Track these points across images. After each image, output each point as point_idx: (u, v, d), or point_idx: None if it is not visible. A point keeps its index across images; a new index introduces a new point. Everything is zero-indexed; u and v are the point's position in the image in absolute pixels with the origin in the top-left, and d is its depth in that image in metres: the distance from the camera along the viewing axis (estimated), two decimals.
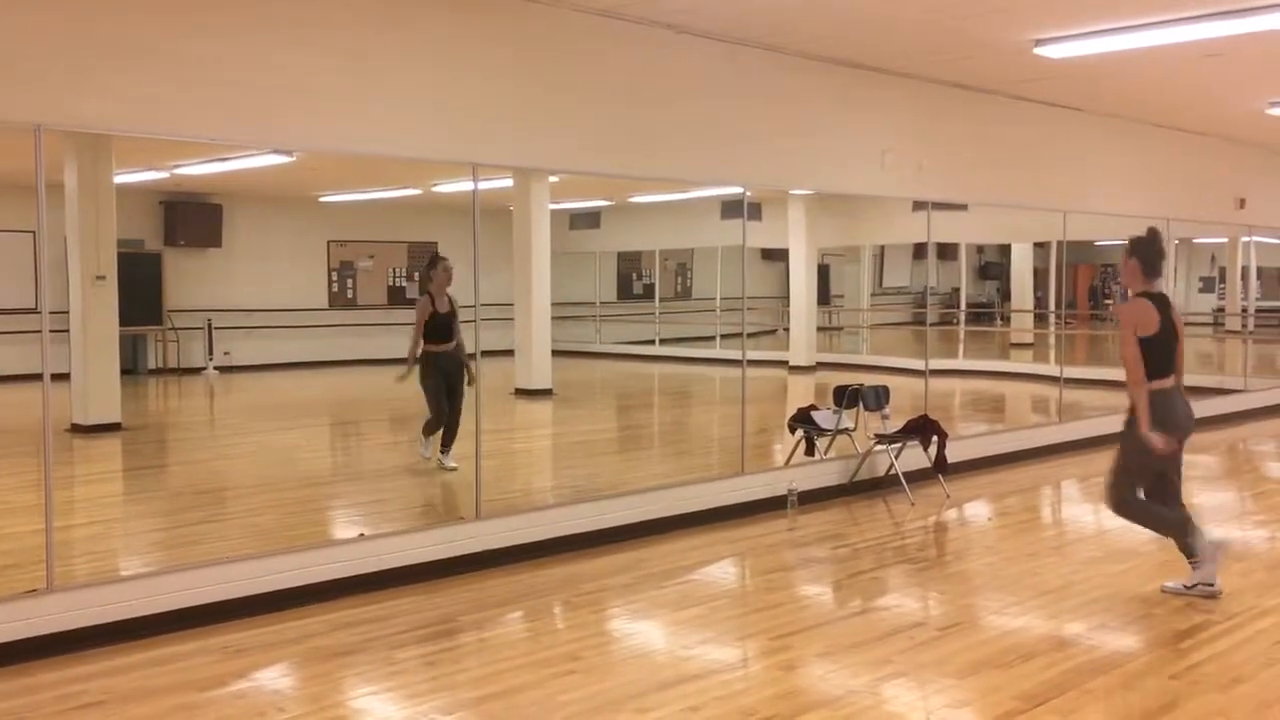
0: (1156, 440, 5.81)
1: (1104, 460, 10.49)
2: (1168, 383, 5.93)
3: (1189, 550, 5.99)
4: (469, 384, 8.23)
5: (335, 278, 17.80)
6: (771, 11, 7.30)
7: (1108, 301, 26.53)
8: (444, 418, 8.77)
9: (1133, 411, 5.93)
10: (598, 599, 6.15)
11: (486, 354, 7.33)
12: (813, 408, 8.91)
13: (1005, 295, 23.91)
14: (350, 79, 6.18)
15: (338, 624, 5.62)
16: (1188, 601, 5.91)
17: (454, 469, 8.64)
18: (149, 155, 11.68)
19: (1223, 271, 23.19)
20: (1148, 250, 6.01)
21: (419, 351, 8.78)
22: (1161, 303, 5.94)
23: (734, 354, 9.23)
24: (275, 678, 5.08)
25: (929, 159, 9.55)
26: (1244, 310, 17.49)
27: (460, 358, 8.72)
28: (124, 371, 11.80)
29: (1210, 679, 4.79)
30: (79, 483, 9.13)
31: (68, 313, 10.72)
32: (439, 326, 8.77)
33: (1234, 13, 7.11)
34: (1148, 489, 6.09)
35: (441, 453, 8.79)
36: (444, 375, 8.74)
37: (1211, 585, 5.93)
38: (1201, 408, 12.83)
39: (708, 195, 12.68)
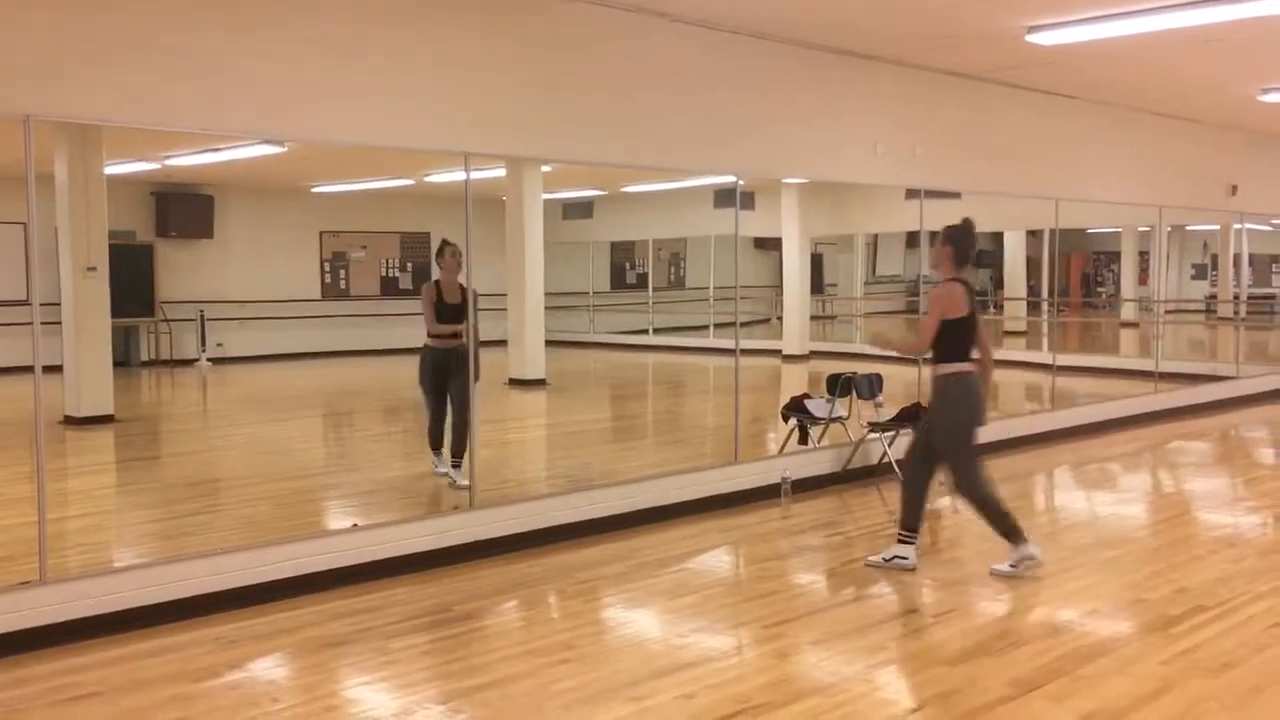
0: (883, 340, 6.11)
1: (1096, 447, 10.61)
2: (970, 366, 6.04)
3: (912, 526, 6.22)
4: (475, 379, 7.56)
5: (328, 268, 17.76)
6: None
7: (1100, 289, 26.58)
8: (443, 418, 8.09)
9: (936, 397, 6.09)
10: (592, 588, 6.16)
11: (481, 344, 7.33)
12: (806, 396, 8.93)
13: (998, 283, 23.94)
14: (341, 69, 6.16)
15: (331, 614, 5.63)
16: (1178, 588, 5.93)
17: (465, 486, 7.42)
18: (140, 146, 11.65)
19: (1215, 259, 23.26)
20: (962, 239, 6.12)
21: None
22: (969, 289, 6.07)
23: (727, 343, 9.23)
24: (269, 668, 5.08)
25: (921, 147, 9.55)
26: (1236, 297, 17.53)
27: (462, 352, 7.89)
28: (116, 363, 11.77)
29: (1201, 664, 4.81)
30: (72, 475, 9.13)
31: (59, 304, 10.69)
32: (442, 317, 8.04)
33: None
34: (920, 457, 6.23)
35: (453, 466, 7.97)
36: (439, 370, 8.05)
37: (907, 560, 6.21)
38: (1194, 394, 13.02)
39: (700, 184, 12.65)
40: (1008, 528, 6.11)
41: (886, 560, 6.21)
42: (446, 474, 8.00)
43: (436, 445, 8.22)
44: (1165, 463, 10.44)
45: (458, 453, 7.92)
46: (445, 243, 8.18)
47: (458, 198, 6.97)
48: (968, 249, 6.13)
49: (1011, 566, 6.11)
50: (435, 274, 8.20)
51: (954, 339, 6.03)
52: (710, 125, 8.00)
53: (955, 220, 6.27)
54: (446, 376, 8.04)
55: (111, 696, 4.61)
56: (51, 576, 5.36)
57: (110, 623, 5.34)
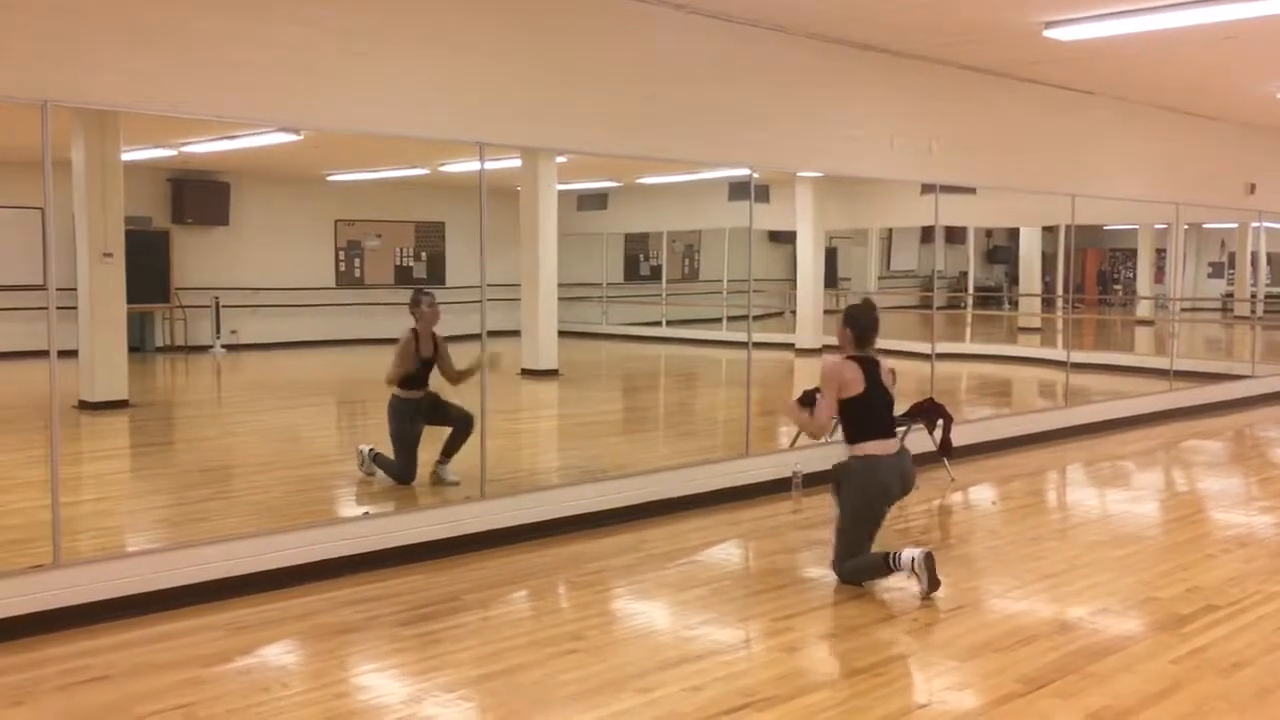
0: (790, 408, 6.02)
1: (1109, 444, 10.58)
2: (879, 446, 5.84)
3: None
4: (491, 367, 7.41)
5: (342, 257, 17.81)
6: None
7: (1116, 287, 26.47)
8: (413, 469, 7.80)
9: (846, 476, 5.90)
10: (601, 579, 6.16)
11: (493, 334, 7.33)
12: (818, 390, 8.89)
13: (1013, 279, 23.86)
14: (358, 57, 6.16)
15: (342, 601, 5.65)
16: (1190, 587, 5.91)
17: (455, 483, 7.68)
18: (157, 133, 11.69)
19: (1232, 257, 23.14)
20: (862, 320, 5.95)
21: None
22: (870, 365, 5.90)
23: (740, 336, 9.23)
24: (279, 654, 5.10)
25: (937, 141, 9.51)
26: (1253, 296, 17.45)
27: (430, 397, 7.91)
28: (131, 349, 11.84)
29: (1211, 664, 4.80)
30: (86, 459, 9.17)
31: (75, 290, 10.74)
32: (415, 372, 7.83)
33: None
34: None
35: (440, 462, 7.87)
36: (416, 421, 7.84)
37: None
38: (1209, 393, 12.96)
39: (715, 177, 12.65)
40: (883, 566, 5.80)
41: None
42: (441, 476, 7.83)
43: (384, 467, 7.93)
44: (1178, 461, 10.40)
45: (450, 452, 7.86)
46: (421, 292, 8.00)
47: (472, 187, 6.97)
48: (868, 331, 5.95)
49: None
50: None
51: (855, 417, 5.88)
52: (725, 118, 7.99)
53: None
54: (420, 425, 7.88)
55: (121, 680, 4.64)
56: (64, 560, 5.39)
57: (122, 607, 5.37)
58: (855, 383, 5.83)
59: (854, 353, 5.93)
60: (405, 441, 7.85)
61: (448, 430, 7.93)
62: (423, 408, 7.94)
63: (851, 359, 5.91)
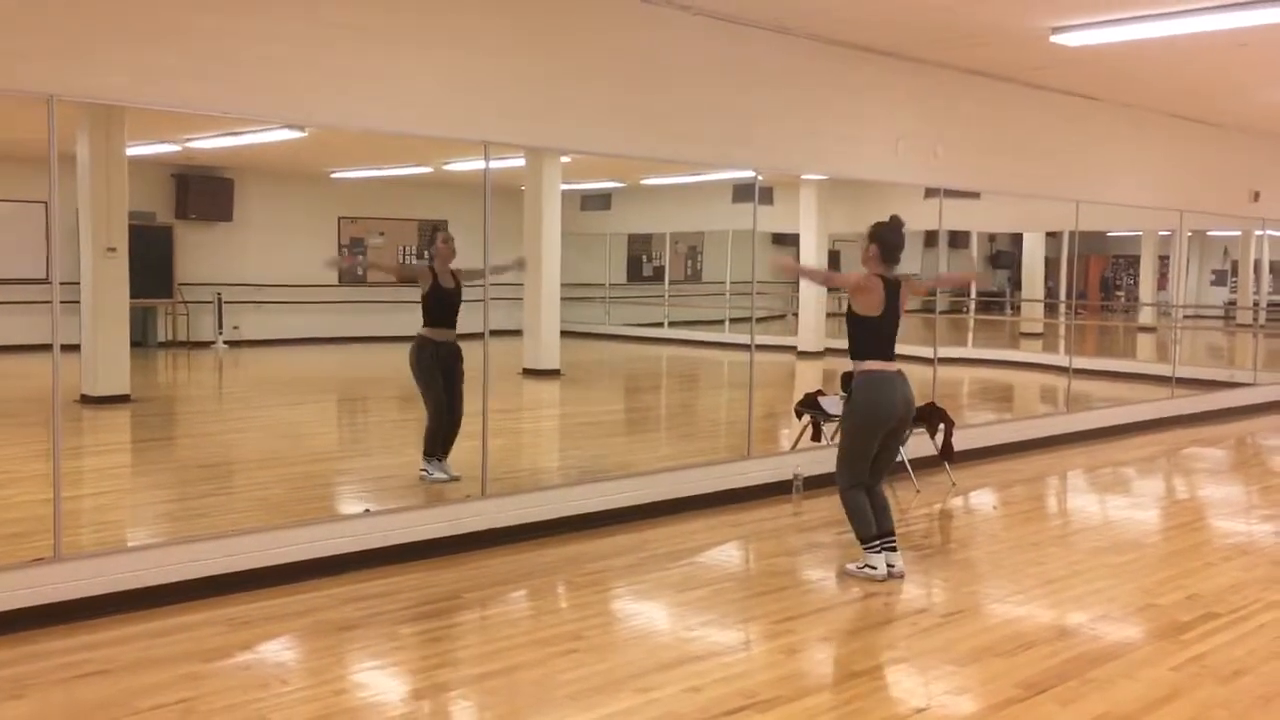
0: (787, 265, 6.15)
1: (1111, 450, 10.58)
2: (882, 365, 6.02)
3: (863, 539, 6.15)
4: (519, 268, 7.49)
5: (345, 254, 17.80)
6: None
7: (1119, 293, 26.49)
8: (445, 418, 7.77)
9: (852, 393, 6.09)
10: (601, 579, 6.16)
11: (495, 334, 7.33)
12: (820, 393, 8.90)
13: (1016, 284, 23.87)
14: (363, 55, 6.17)
15: (342, 599, 5.65)
16: (1190, 594, 5.91)
17: (456, 478, 7.63)
18: (161, 128, 11.70)
19: (1235, 265, 23.15)
20: (888, 237, 6.11)
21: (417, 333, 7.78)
22: (893, 286, 6.05)
23: (743, 338, 9.23)
24: (279, 650, 5.10)
25: (942, 146, 9.51)
26: (1255, 304, 17.44)
27: (457, 347, 7.85)
28: (134, 344, 11.85)
29: (1212, 671, 4.79)
30: (87, 453, 9.18)
31: (79, 284, 10.75)
32: (441, 305, 7.77)
33: (1255, 2, 7.05)
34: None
35: (437, 460, 7.80)
36: (441, 363, 7.76)
37: (876, 570, 6.07)
38: (1210, 400, 12.95)
39: (719, 179, 12.64)
40: (864, 535, 6.07)
41: (859, 569, 6.14)
42: (443, 477, 7.71)
43: (441, 449, 7.82)
44: (1180, 468, 10.40)
45: (445, 449, 7.82)
46: (436, 228, 7.93)
47: (476, 186, 6.97)
48: (894, 247, 6.11)
49: (857, 568, 6.12)
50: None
51: (864, 337, 6.03)
52: (730, 120, 7.99)
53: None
54: (449, 372, 7.81)
55: (121, 674, 4.64)
56: (65, 554, 5.39)
57: (123, 601, 5.37)
58: (876, 304, 5.98)
59: (880, 271, 6.06)
60: (427, 380, 7.76)
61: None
62: (444, 351, 7.79)
63: (880, 278, 6.03)
